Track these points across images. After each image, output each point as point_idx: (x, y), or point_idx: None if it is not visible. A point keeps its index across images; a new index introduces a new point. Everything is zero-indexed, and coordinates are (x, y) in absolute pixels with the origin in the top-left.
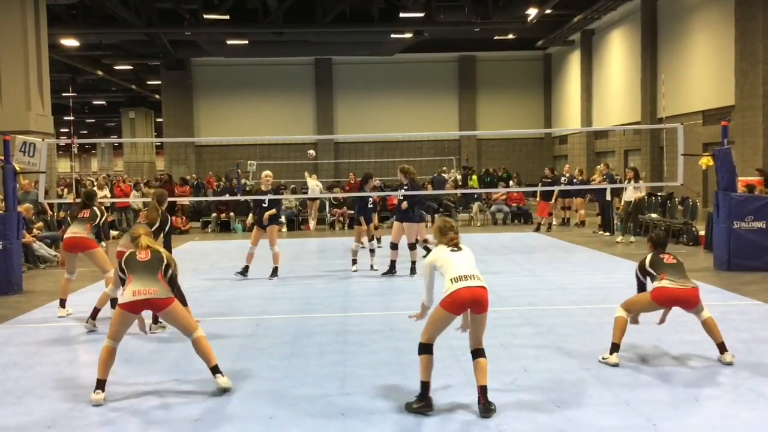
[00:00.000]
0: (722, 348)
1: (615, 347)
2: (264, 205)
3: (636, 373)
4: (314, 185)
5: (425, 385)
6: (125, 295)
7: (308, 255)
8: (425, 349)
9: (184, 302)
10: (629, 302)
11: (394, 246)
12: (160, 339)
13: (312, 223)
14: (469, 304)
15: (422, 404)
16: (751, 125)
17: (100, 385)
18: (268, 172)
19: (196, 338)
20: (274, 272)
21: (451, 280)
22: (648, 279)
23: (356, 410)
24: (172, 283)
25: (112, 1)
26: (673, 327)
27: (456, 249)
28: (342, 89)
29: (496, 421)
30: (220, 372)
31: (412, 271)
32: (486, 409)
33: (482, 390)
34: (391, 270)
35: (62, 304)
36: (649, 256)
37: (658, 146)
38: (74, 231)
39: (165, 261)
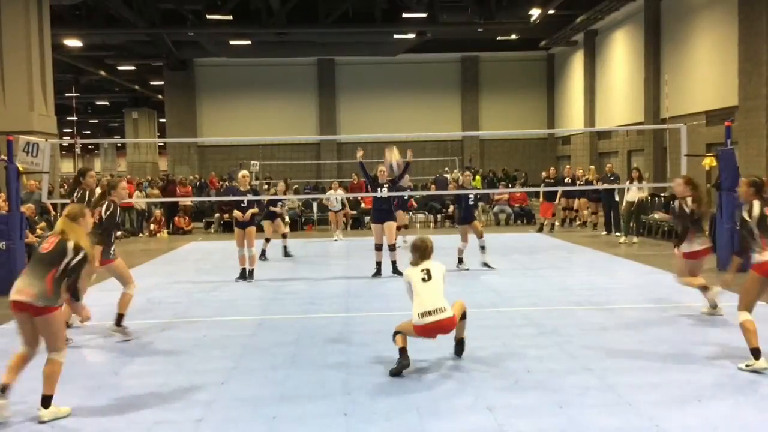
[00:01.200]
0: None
1: (757, 351)
2: (243, 205)
3: (639, 373)
4: (335, 198)
5: (402, 350)
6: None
7: (311, 255)
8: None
9: (77, 296)
10: (744, 297)
11: (379, 247)
12: (163, 339)
13: (339, 234)
14: (436, 332)
15: (399, 363)
16: (754, 126)
17: (4, 389)
18: (245, 172)
19: (53, 359)
20: (251, 274)
21: (418, 314)
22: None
23: (359, 410)
24: (72, 272)
25: (115, 2)
26: (676, 327)
27: (427, 278)
28: (345, 90)
29: (499, 422)
30: (49, 405)
31: (395, 271)
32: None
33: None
34: (378, 272)
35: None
36: (756, 208)
37: (661, 147)
38: None
39: (67, 254)
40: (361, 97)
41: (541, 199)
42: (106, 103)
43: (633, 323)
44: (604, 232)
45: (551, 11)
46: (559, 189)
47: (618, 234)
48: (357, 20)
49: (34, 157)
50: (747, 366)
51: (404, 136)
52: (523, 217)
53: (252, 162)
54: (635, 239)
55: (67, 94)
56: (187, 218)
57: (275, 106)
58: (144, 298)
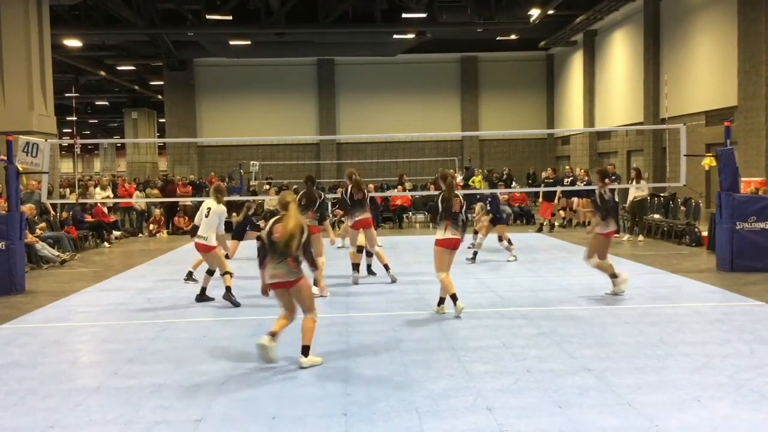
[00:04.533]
0: None
1: None
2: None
3: (638, 373)
4: None
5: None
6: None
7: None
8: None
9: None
10: None
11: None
12: (163, 339)
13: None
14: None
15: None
16: (754, 126)
17: (273, 335)
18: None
19: (307, 318)
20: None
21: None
22: None
23: (359, 410)
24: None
25: (114, 2)
26: (676, 327)
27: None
28: (344, 90)
29: (499, 421)
30: (308, 354)
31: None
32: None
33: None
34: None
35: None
36: None
37: (660, 147)
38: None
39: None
40: (360, 97)
41: (540, 199)
42: (106, 103)
43: (633, 323)
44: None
45: (550, 11)
46: (558, 189)
47: (617, 235)
48: (357, 20)
49: (33, 157)
50: None
51: (404, 136)
52: (523, 217)
53: (252, 162)
54: (640, 237)
55: (66, 94)
56: (186, 218)
57: (275, 106)
58: (144, 298)
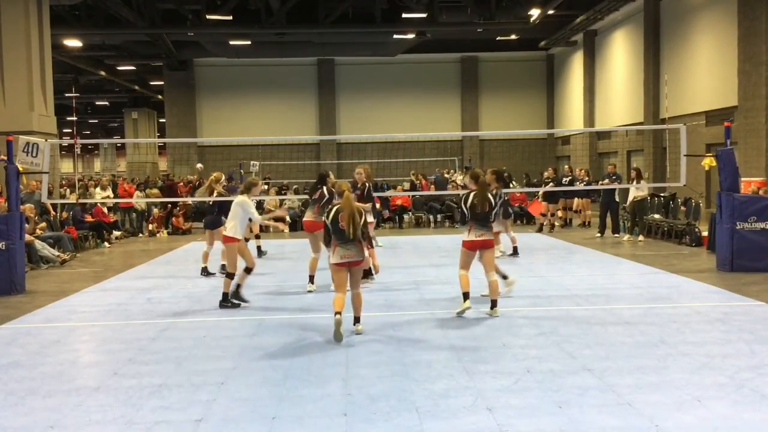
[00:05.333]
0: None
1: None
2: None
3: (638, 373)
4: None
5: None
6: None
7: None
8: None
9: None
10: None
11: None
12: (163, 339)
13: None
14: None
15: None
16: (754, 126)
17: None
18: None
19: (358, 293)
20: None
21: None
22: None
23: (359, 410)
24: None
25: (115, 2)
26: (676, 327)
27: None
28: (344, 90)
29: (499, 421)
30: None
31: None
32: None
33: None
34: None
35: (311, 280)
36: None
37: (660, 147)
38: (307, 215)
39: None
40: (360, 97)
41: (540, 199)
42: (106, 103)
43: (633, 323)
44: (598, 234)
45: (551, 11)
46: (540, 190)
47: (617, 235)
48: (356, 20)
49: (33, 158)
50: None
51: (404, 136)
52: (523, 218)
53: (252, 162)
54: (640, 237)
55: (66, 94)
56: (180, 218)
57: (275, 106)
58: (144, 298)
